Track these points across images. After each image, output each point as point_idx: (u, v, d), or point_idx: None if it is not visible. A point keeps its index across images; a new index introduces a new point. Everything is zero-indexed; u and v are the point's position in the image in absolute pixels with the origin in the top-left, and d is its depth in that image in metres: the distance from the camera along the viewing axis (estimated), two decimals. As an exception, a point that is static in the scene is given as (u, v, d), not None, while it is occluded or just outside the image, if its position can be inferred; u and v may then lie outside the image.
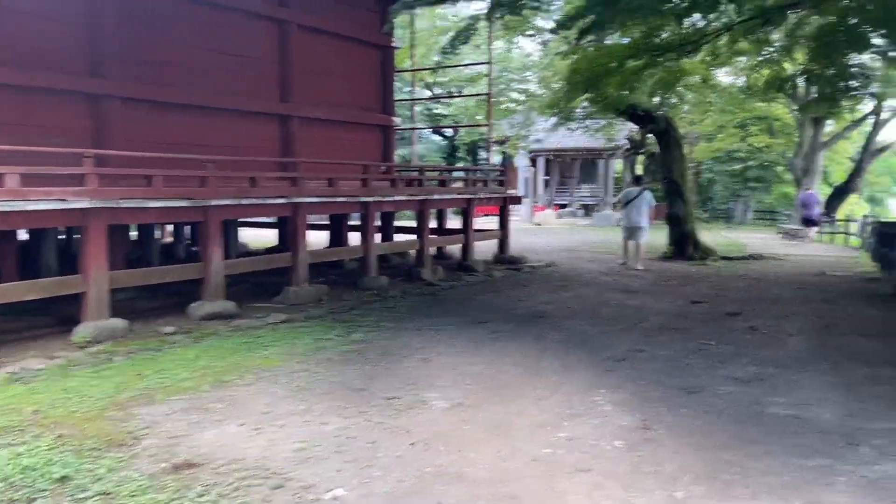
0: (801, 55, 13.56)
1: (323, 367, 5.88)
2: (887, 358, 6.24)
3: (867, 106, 27.41)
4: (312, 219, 15.63)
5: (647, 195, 13.61)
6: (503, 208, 14.26)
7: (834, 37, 12.14)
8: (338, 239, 12.75)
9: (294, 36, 10.95)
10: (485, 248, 14.54)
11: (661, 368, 5.95)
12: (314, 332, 7.19)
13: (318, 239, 13.96)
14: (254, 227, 14.45)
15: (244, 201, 8.36)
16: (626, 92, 14.71)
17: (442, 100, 31.45)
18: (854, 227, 20.03)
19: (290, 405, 4.84)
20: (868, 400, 5.04)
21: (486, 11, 7.73)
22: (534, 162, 34.76)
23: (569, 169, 35.30)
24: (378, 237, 12.38)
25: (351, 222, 12.57)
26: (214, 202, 7.89)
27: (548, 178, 34.32)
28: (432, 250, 13.67)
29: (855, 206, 34.38)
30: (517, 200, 14.76)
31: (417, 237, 11.59)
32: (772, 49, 13.96)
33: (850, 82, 12.96)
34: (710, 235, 24.13)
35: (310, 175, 9.72)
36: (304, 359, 6.13)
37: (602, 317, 8.45)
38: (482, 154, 45.45)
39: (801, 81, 13.67)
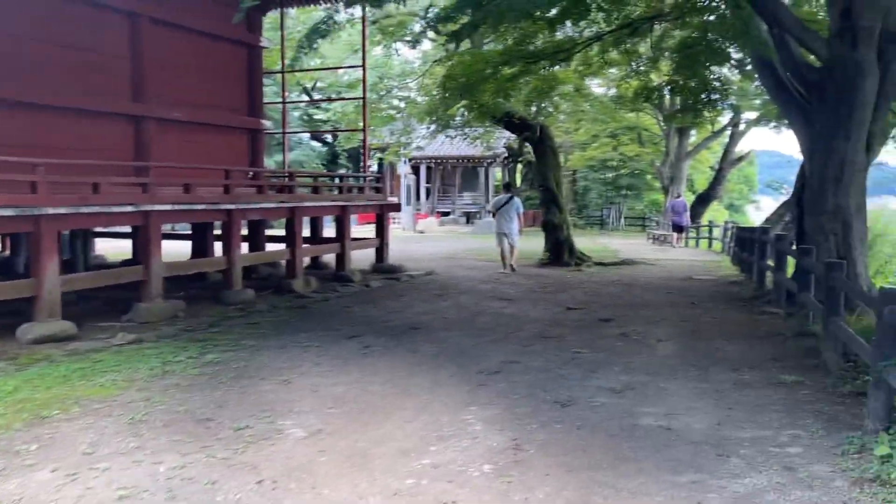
0: (666, 67, 14.06)
1: (167, 394, 5.24)
2: (751, 362, 6.34)
3: (726, 117, 29.21)
4: (180, 227, 14.75)
5: (517, 202, 14.22)
6: (381, 216, 13.86)
7: (695, 49, 12.63)
8: (201, 249, 11.91)
9: (147, 30, 10.07)
10: (363, 257, 14.10)
11: (534, 380, 5.74)
12: (163, 354, 6.48)
13: (181, 249, 13.05)
14: (118, 238, 13.34)
15: (85, 210, 7.50)
16: (502, 99, 14.74)
17: (322, 105, 30.70)
18: (717, 233, 21.13)
19: (119, 443, 4.21)
20: (735, 406, 5.02)
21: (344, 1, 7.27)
22: (416, 170, 34.62)
23: (450, 177, 35.41)
24: (246, 247, 11.71)
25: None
26: (47, 211, 7.01)
27: (430, 185, 34.25)
28: (306, 260, 13.10)
29: (716, 213, 36.61)
30: (396, 208, 14.42)
31: (288, 247, 10.98)
32: (640, 60, 14.40)
33: (711, 94, 13.55)
34: (586, 241, 24.84)
35: (165, 181, 8.93)
36: (146, 385, 5.46)
37: (478, 327, 8.22)
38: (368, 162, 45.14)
39: (667, 92, 14.13)
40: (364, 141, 14.21)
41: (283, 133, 14.84)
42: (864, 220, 8.68)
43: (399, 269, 13.61)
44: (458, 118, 19.94)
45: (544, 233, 16.05)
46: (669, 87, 13.68)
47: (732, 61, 11.95)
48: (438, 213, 34.16)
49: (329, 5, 12.97)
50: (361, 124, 24.57)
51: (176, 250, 13.38)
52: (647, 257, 18.11)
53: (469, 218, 34.17)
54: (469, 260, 17.17)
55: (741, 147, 31.20)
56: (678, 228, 23.49)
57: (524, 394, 5.35)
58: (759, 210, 74.09)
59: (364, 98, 14.02)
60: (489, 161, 31.65)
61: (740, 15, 8.40)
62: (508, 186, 16.46)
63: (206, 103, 11.51)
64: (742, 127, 28.97)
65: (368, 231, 27.02)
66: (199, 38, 11.28)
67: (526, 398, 5.25)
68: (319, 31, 7.45)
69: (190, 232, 12.65)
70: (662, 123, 28.69)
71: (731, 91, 13.85)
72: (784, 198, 23.38)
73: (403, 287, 11.90)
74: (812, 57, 9.26)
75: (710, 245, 20.86)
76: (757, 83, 17.57)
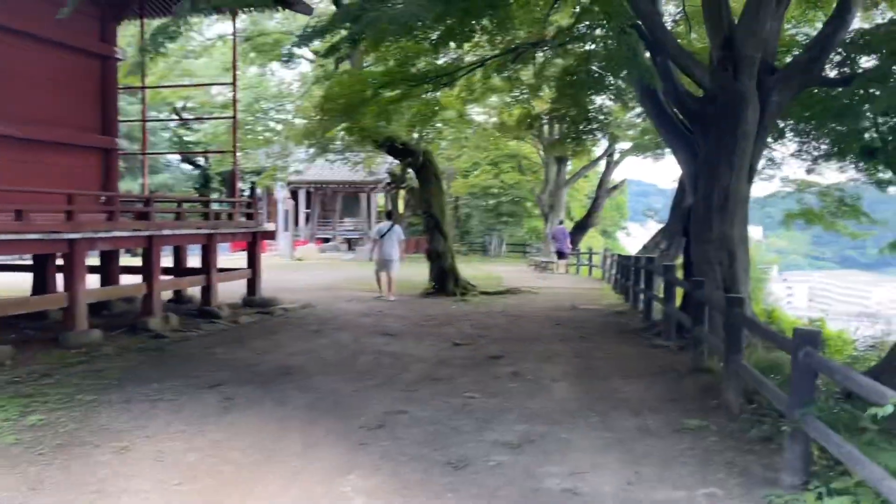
0: (549, 94, 14.03)
1: (-38, 476, 4.15)
2: (651, 404, 5.97)
3: (601, 148, 30.10)
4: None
5: (398, 230, 14.29)
6: (253, 244, 12.83)
7: (577, 78, 12.61)
8: (43, 283, 10.45)
9: (-28, 32, 8.72)
10: (234, 290, 12.99)
11: (423, 436, 5.06)
12: (-30, 418, 5.30)
13: (20, 282, 11.50)
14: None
15: None
16: (383, 123, 14.18)
17: (193, 125, 28.98)
18: (597, 260, 21.44)
19: None
20: (643, 461, 4.55)
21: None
22: (295, 194, 33.42)
23: (331, 202, 34.44)
24: (98, 279, 10.39)
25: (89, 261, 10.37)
26: None
27: (309, 211, 33.11)
28: (168, 294, 11.86)
29: (592, 240, 37.66)
30: (270, 235, 13.43)
31: (144, 280, 9.78)
32: (522, 88, 14.28)
33: (591, 123, 13.61)
34: (469, 269, 24.58)
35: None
36: (-64, 465, 4.33)
37: (358, 369, 7.47)
38: (239, 185, 43.15)
39: (547, 121, 14.08)
40: (234, 163, 13.16)
41: (143, 154, 13.51)
42: (747, 250, 8.70)
43: (273, 303, 12.60)
44: (338, 142, 19.22)
45: (428, 261, 15.53)
46: (551, 116, 13.59)
47: (611, 90, 11.95)
48: (318, 239, 33.05)
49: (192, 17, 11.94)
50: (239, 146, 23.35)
51: (15, 283, 11.78)
52: (531, 285, 17.98)
53: (351, 245, 33.28)
54: (350, 290, 16.34)
55: (615, 176, 32.32)
56: (560, 255, 23.77)
57: (412, 454, 4.66)
58: (630, 236, 77.71)
59: (234, 118, 13.01)
60: (371, 186, 31.00)
61: (626, 41, 8.24)
62: (390, 214, 16.48)
63: (50, 119, 10.17)
64: (616, 157, 29.93)
65: (242, 260, 25.62)
66: (40, 47, 9.95)
67: (414, 460, 4.56)
68: (167, 33, 6.52)
69: (31, 262, 11.12)
70: (542, 152, 29.13)
71: (610, 121, 13.99)
72: (658, 226, 24.17)
73: (277, 323, 10.94)
74: (695, 87, 9.31)
75: (590, 272, 21.12)
76: (632, 114, 18.07)
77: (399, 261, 14.27)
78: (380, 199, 35.45)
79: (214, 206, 14.71)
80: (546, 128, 27.87)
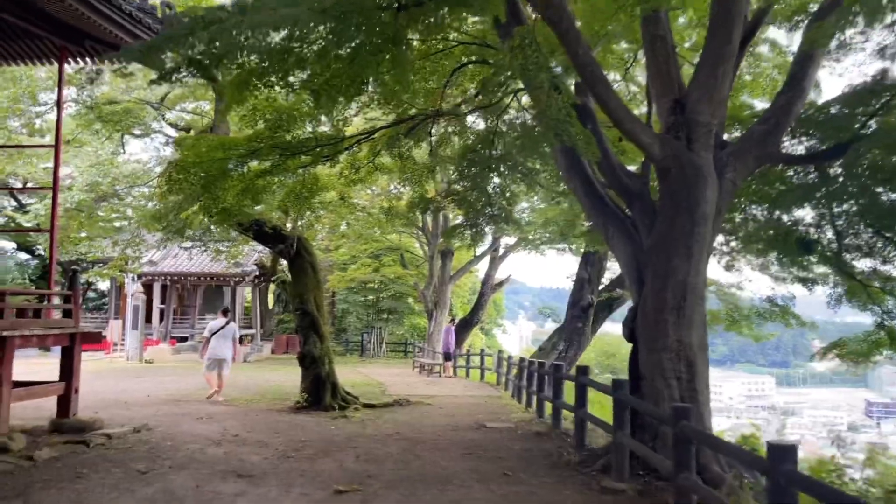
0: (443, 177, 12.36)
1: None
2: None
3: (485, 244, 28.94)
4: None
5: (232, 327, 13.96)
6: (70, 349, 9.86)
7: (477, 157, 11.02)
8: None
9: None
10: (47, 407, 9.95)
11: None
12: None
13: None
14: None
15: None
16: (250, 202, 11.88)
17: (28, 205, 25.17)
18: (489, 362, 19.52)
19: None
20: None
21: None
22: (149, 288, 29.68)
23: (191, 296, 30.88)
24: None
25: None
26: None
27: (164, 306, 29.37)
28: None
29: (474, 338, 36.03)
30: (94, 338, 10.45)
31: None
32: (415, 168, 12.48)
33: (492, 208, 11.93)
34: (347, 372, 21.94)
35: None
36: None
37: (190, 552, 4.88)
38: (96, 282, 38.29)
39: (445, 204, 12.30)
40: (52, 247, 10.29)
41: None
42: (706, 360, 6.99)
43: (92, 426, 9.60)
44: (199, 231, 16.58)
45: (301, 367, 12.94)
46: (449, 198, 11.84)
47: (521, 171, 10.38)
48: (174, 338, 29.21)
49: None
50: (82, 232, 19.96)
51: None
52: (421, 393, 15.70)
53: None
54: (203, 403, 13.38)
55: (499, 273, 31.14)
56: (448, 357, 21.62)
57: None
58: (506, 334, 77.38)
59: (55, 189, 10.27)
60: (237, 279, 27.97)
61: (556, 101, 6.60)
62: (226, 311, 15.25)
63: None
64: (501, 252, 28.83)
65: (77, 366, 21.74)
66: None
67: None
68: None
69: None
70: (427, 245, 27.52)
71: (513, 207, 12.42)
72: (552, 325, 22.72)
73: (90, 459, 7.99)
74: (629, 162, 7.81)
75: (482, 376, 19.14)
76: (519, 207, 16.77)
77: (230, 360, 13.87)
78: (247, 294, 32.30)
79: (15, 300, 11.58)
80: (440, 215, 26.52)
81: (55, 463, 7.78)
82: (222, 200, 11.24)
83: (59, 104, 10.38)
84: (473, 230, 12.33)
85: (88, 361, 27.37)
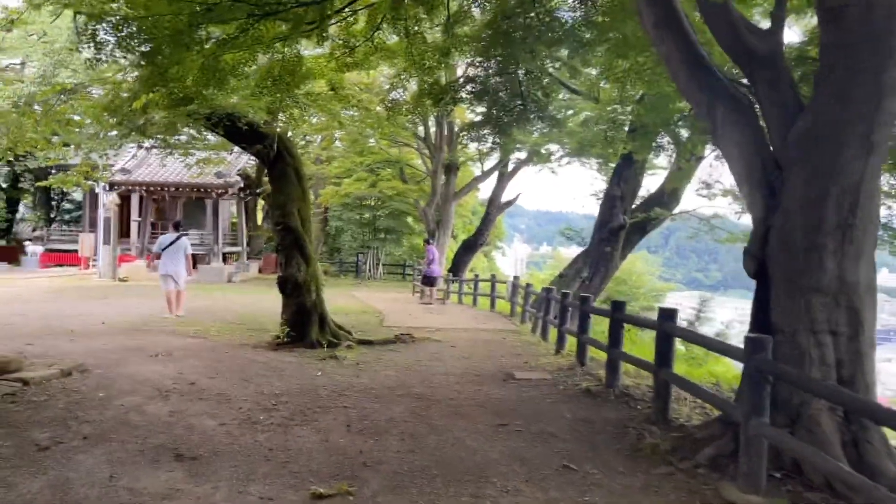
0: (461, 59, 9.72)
1: None
2: None
3: (492, 159, 26.37)
4: None
5: (184, 242, 13.36)
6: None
7: (511, 26, 8.44)
8: None
9: None
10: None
11: None
12: None
13: None
14: None
15: None
16: (214, 86, 9.32)
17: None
18: (502, 289, 17.29)
19: None
20: None
21: None
22: (126, 199, 27.17)
23: (170, 210, 28.39)
24: None
25: None
26: None
27: (140, 219, 26.92)
28: None
29: (475, 261, 33.82)
30: (8, 253, 8.00)
31: None
32: (425, 49, 9.83)
33: (526, 100, 9.35)
34: (341, 297, 19.74)
35: None
36: None
37: None
38: (72, 192, 35.45)
39: (464, 94, 9.68)
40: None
41: None
42: (875, 308, 4.65)
43: (5, 368, 7.36)
44: (163, 129, 13.93)
45: (282, 295, 10.66)
46: (468, 85, 9.27)
47: (571, 41, 7.77)
48: (151, 254, 26.90)
49: None
50: (26, 126, 17.37)
51: None
52: (424, 324, 13.54)
53: (196, 261, 27.43)
54: (164, 333, 11.17)
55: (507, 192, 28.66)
56: (430, 281, 19.02)
57: None
58: (505, 256, 75.49)
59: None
60: (220, 191, 25.43)
61: None
62: (178, 225, 14.88)
63: None
64: (511, 167, 26.30)
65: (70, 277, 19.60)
66: None
67: None
68: None
69: None
70: (429, 158, 24.93)
71: (552, 99, 9.84)
72: (547, 249, 20.35)
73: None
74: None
75: (492, 304, 16.94)
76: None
77: (184, 275, 13.28)
78: (232, 208, 29.83)
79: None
80: (445, 124, 23.81)
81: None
82: (177, 82, 8.71)
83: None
84: (496, 129, 9.80)
85: (56, 278, 25.23)
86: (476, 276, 20.36)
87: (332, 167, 28.32)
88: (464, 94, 9.49)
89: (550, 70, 9.32)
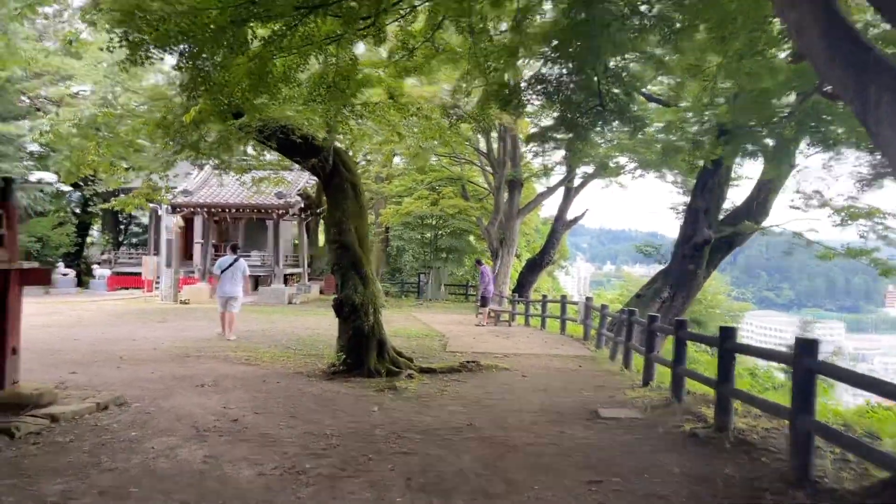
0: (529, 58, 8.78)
1: None
2: None
3: (558, 175, 25.30)
4: None
5: (242, 264, 13.42)
6: (3, 293, 6.88)
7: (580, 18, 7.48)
8: None
9: None
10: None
11: None
12: None
13: None
14: None
15: None
16: (263, 93, 8.64)
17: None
18: (572, 311, 16.12)
19: None
20: None
21: None
22: (189, 222, 27.17)
23: (232, 231, 28.25)
24: None
25: None
26: None
27: (202, 241, 26.79)
28: None
29: (540, 281, 32.54)
30: (40, 276, 7.40)
31: None
32: (491, 49, 8.93)
33: (604, 102, 8.31)
34: (401, 319, 18.92)
35: None
36: None
37: None
38: (139, 215, 35.98)
39: (530, 95, 8.70)
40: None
41: None
42: None
43: (36, 401, 6.73)
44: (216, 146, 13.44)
45: (338, 319, 9.84)
46: (537, 85, 8.29)
47: (663, 28, 6.71)
48: (213, 276, 26.73)
49: None
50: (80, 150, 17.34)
51: None
52: (491, 349, 12.54)
53: (258, 283, 27.12)
54: (217, 359, 10.51)
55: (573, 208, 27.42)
56: (486, 301, 18.35)
57: None
58: (569, 276, 73.51)
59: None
60: (280, 212, 25.07)
61: None
62: (235, 248, 14.79)
63: None
64: (577, 183, 25.11)
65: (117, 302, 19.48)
66: None
67: None
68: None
69: None
70: (491, 174, 23.99)
71: (632, 99, 8.75)
72: (610, 268, 18.99)
73: (3, 463, 5.07)
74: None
75: (563, 328, 15.73)
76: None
77: (241, 298, 13.38)
78: (293, 229, 29.50)
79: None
80: (508, 139, 22.87)
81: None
82: (222, 87, 8.04)
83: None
84: (570, 134, 8.77)
85: (120, 301, 25.28)
86: (544, 296, 19.19)
87: (393, 185, 27.72)
88: (534, 96, 8.51)
89: (633, 66, 8.24)
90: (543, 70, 8.56)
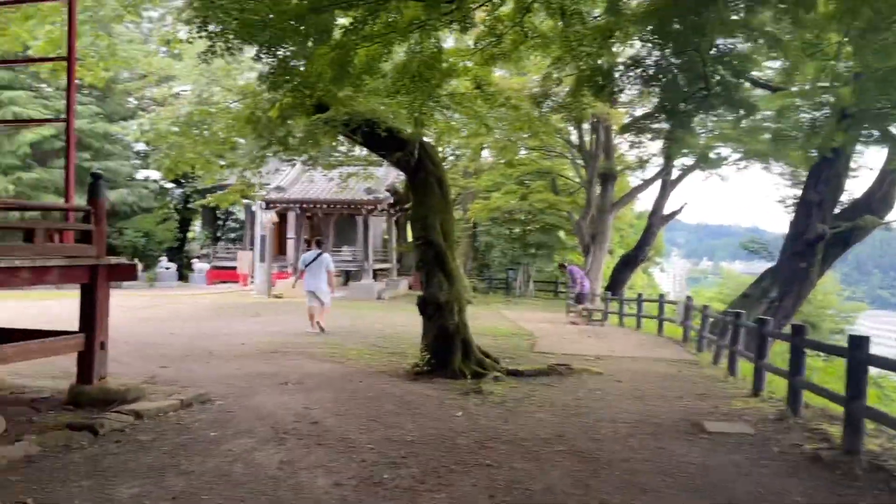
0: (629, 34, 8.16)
1: None
2: None
3: (654, 167, 24.20)
4: None
5: (326, 258, 13.63)
6: (92, 287, 6.95)
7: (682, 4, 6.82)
8: None
9: None
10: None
11: None
12: None
13: None
14: None
15: None
16: (350, 87, 8.43)
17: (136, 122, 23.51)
18: (670, 310, 15.27)
19: None
20: None
21: None
22: (283, 217, 27.73)
23: (324, 226, 28.63)
24: None
25: None
26: None
27: (294, 237, 27.28)
28: None
29: (636, 278, 31.37)
30: (126, 272, 7.45)
31: None
32: (584, 33, 8.36)
33: (709, 85, 7.62)
34: (488, 316, 18.53)
35: None
36: None
37: None
38: (237, 211, 37.19)
39: (625, 80, 8.08)
40: (69, 157, 7.26)
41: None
42: None
43: (123, 397, 6.76)
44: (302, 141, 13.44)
45: (423, 317, 9.55)
46: (634, 69, 7.68)
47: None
48: (301, 271, 27.17)
49: None
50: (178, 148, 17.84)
51: None
52: (581, 350, 11.96)
53: (347, 277, 27.39)
54: (306, 355, 10.46)
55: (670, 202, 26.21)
56: (580, 299, 18.10)
57: None
58: (664, 272, 70.98)
59: (70, 64, 7.19)
60: (369, 207, 25.18)
61: None
62: (319, 243, 14.99)
63: None
64: (675, 175, 23.95)
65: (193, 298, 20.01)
66: None
67: None
68: None
69: None
70: (583, 167, 23.21)
71: (741, 81, 8.00)
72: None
73: (64, 464, 5.03)
74: None
75: (660, 329, 14.87)
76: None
77: (328, 291, 13.55)
78: (383, 225, 29.62)
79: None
80: (601, 129, 22.05)
81: (18, 469, 4.87)
82: (305, 78, 7.87)
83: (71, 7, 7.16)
84: (670, 121, 8.10)
85: (218, 295, 26.08)
86: (639, 294, 18.33)
87: (481, 181, 27.34)
88: (630, 81, 7.90)
89: (741, 46, 7.50)
90: (642, 53, 7.96)
